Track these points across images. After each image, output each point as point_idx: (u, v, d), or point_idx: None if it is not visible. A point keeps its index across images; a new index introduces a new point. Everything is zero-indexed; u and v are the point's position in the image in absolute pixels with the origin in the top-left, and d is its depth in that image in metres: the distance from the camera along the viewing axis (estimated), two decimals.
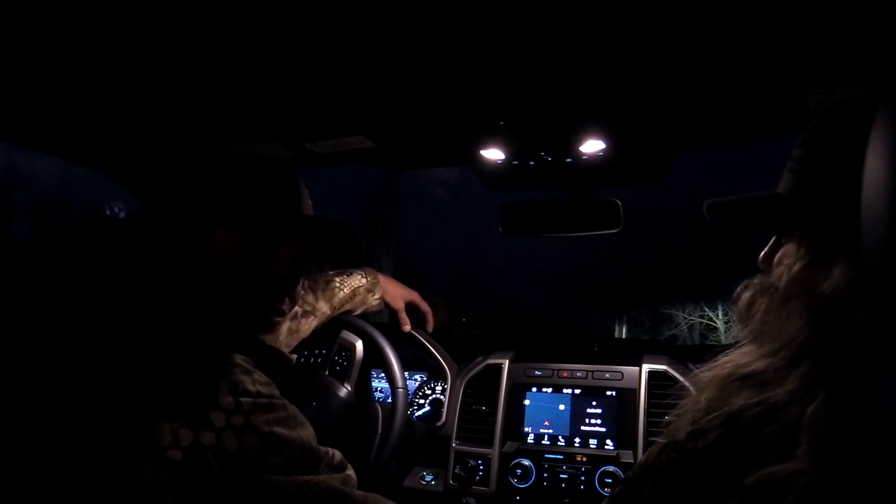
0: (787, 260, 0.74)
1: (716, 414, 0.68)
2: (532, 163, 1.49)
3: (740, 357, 0.75)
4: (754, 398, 0.66)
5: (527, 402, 1.71)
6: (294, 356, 1.68)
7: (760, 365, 0.70)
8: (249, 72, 1.13)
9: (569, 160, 1.45)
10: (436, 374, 1.91)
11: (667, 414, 1.55)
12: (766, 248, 0.83)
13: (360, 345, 1.70)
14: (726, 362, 0.75)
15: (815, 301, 0.67)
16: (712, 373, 0.76)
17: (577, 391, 1.69)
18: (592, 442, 1.62)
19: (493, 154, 1.46)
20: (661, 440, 0.74)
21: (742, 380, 0.70)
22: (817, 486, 0.57)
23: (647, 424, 1.57)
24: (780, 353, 0.68)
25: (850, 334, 0.60)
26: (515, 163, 1.49)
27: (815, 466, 0.57)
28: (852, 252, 0.62)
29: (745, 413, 0.66)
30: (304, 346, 1.70)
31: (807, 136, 0.76)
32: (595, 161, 1.45)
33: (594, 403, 1.66)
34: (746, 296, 0.80)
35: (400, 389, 1.62)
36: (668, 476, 0.69)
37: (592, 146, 1.37)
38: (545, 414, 1.69)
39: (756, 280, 0.79)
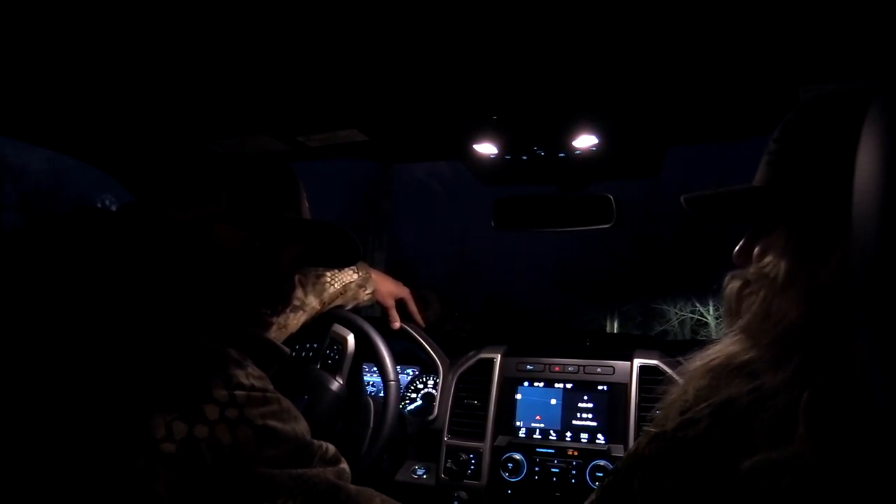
0: (773, 251, 0.75)
1: (706, 403, 0.69)
2: (525, 157, 1.49)
3: (729, 347, 0.75)
4: (745, 387, 0.67)
5: (518, 396, 1.72)
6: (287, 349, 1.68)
7: (751, 354, 0.71)
8: (242, 64, 1.12)
9: (561, 155, 1.45)
10: (428, 369, 1.91)
11: (658, 408, 1.56)
12: (740, 244, 0.83)
13: (351, 338, 1.70)
14: (716, 353, 0.76)
15: (813, 289, 0.67)
16: (701, 363, 0.77)
17: (569, 385, 1.69)
18: (584, 436, 1.62)
19: (486, 148, 1.45)
20: (650, 430, 0.74)
21: (732, 370, 0.71)
22: (812, 468, 0.58)
23: (639, 419, 1.57)
24: (772, 342, 0.69)
25: (849, 319, 0.61)
26: (508, 157, 1.49)
27: (812, 449, 0.58)
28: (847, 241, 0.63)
29: (736, 402, 0.66)
30: (296, 339, 1.70)
31: (784, 130, 0.77)
32: (588, 156, 1.45)
33: (585, 398, 1.66)
34: (736, 285, 0.80)
35: (392, 383, 1.63)
36: (658, 466, 0.70)
37: (585, 141, 1.37)
38: (537, 408, 1.69)
39: (751, 269, 0.79)
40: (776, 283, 0.72)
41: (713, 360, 0.76)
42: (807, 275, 0.69)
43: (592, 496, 0.80)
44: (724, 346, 0.77)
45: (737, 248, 0.83)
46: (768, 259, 0.75)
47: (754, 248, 0.79)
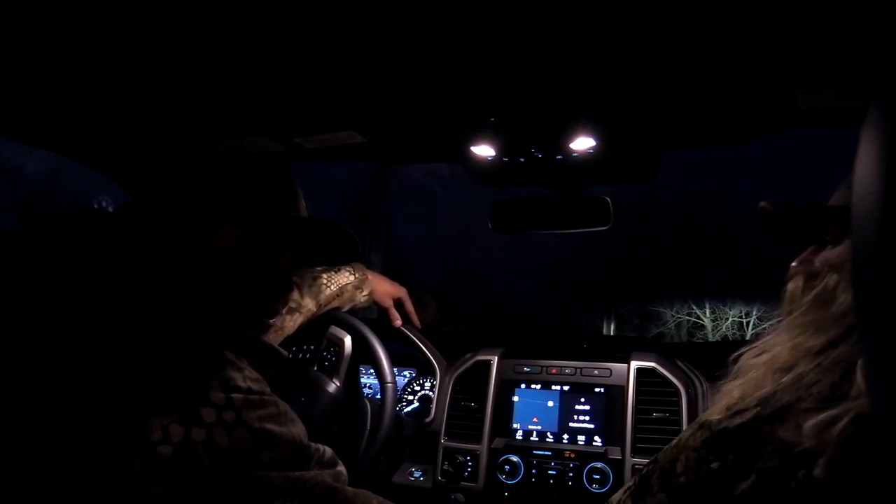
0: (840, 255, 0.78)
1: (752, 397, 0.72)
2: (522, 160, 1.49)
3: (780, 344, 0.78)
4: (788, 381, 0.70)
5: (515, 398, 1.72)
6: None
7: (809, 344, 0.73)
8: (240, 66, 1.12)
9: (559, 157, 1.46)
10: (425, 371, 1.91)
11: (655, 410, 1.57)
12: (805, 254, 0.85)
13: (348, 340, 1.69)
14: (764, 352, 0.79)
15: None
16: (751, 361, 0.80)
17: (566, 388, 1.69)
18: (581, 438, 1.62)
19: (484, 151, 1.45)
20: (693, 425, 0.77)
21: (777, 368, 0.75)
22: (868, 413, 0.60)
23: (636, 421, 1.58)
24: (831, 326, 0.72)
25: None
26: (506, 159, 1.49)
27: (869, 399, 0.60)
28: None
29: (780, 393, 0.69)
30: (293, 341, 1.70)
31: None
32: (585, 158, 1.45)
33: (583, 400, 1.67)
34: (801, 280, 0.83)
35: (389, 385, 1.62)
36: (702, 450, 0.72)
37: (583, 143, 1.37)
38: (534, 410, 1.69)
39: (814, 266, 0.81)
40: (842, 274, 0.75)
41: (764, 358, 0.79)
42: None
43: (629, 483, 0.81)
44: (774, 341, 0.80)
45: (801, 256, 0.86)
46: (835, 259, 0.78)
47: (817, 257, 0.82)
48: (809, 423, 0.63)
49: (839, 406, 0.63)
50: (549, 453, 1.62)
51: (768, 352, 0.78)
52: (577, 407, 1.66)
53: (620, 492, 0.82)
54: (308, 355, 1.73)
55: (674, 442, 0.78)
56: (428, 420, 1.79)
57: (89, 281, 0.81)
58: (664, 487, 0.74)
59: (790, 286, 0.85)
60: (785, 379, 0.71)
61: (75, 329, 0.76)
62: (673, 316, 19.30)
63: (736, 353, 0.85)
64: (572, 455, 1.60)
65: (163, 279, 0.86)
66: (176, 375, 0.77)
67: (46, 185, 19.51)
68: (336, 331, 1.71)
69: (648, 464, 0.80)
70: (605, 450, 1.58)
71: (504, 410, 1.71)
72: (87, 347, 0.75)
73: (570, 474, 1.58)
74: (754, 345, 0.82)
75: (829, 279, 0.77)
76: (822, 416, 0.63)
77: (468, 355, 1.84)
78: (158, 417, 0.72)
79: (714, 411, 0.76)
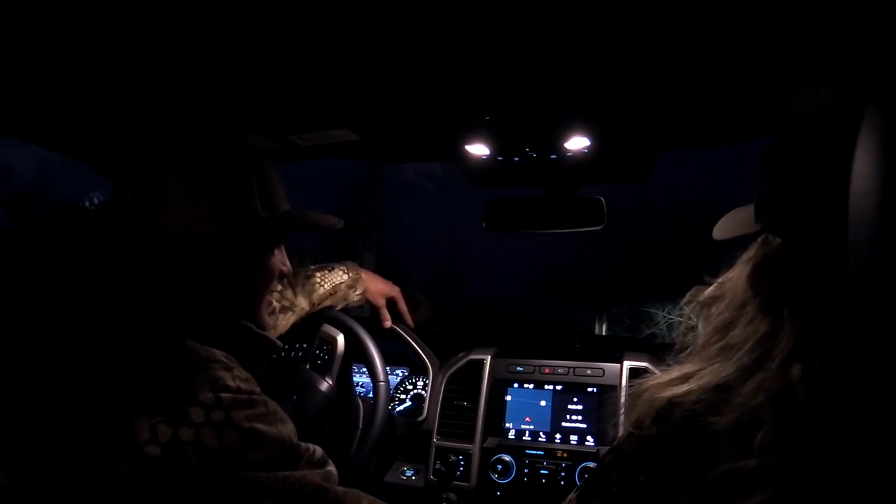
0: (743, 268, 0.78)
1: (679, 404, 0.72)
2: (517, 159, 1.49)
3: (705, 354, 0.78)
4: (711, 392, 0.70)
5: (508, 397, 1.72)
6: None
7: (723, 364, 0.73)
8: (234, 63, 1.11)
9: (553, 157, 1.46)
10: (417, 370, 1.91)
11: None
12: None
13: (341, 339, 1.69)
14: (694, 362, 0.79)
15: (788, 302, 0.69)
16: (679, 368, 0.80)
17: (559, 387, 1.70)
18: (573, 438, 1.63)
19: (478, 150, 1.45)
20: (630, 428, 0.78)
21: (705, 374, 0.74)
22: (776, 485, 0.60)
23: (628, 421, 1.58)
24: (735, 352, 0.72)
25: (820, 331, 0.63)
26: (500, 159, 1.49)
27: (776, 462, 0.60)
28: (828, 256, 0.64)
29: (703, 403, 0.70)
30: (285, 339, 1.69)
31: (767, 161, 0.76)
32: (579, 158, 1.45)
33: (575, 400, 1.67)
34: (698, 299, 0.83)
35: (381, 384, 1.62)
36: (633, 459, 0.74)
37: (577, 143, 1.38)
38: (526, 410, 1.69)
39: (717, 287, 0.81)
40: (744, 297, 0.76)
41: (691, 365, 0.78)
42: (774, 288, 0.72)
43: (578, 487, 0.82)
44: (701, 355, 0.79)
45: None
46: (737, 275, 0.80)
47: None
48: (710, 476, 0.64)
49: (745, 460, 0.62)
50: (542, 453, 1.62)
51: (696, 362, 0.78)
52: (570, 407, 1.66)
53: (573, 491, 0.82)
54: (301, 353, 1.73)
55: (614, 444, 0.79)
56: (420, 419, 1.79)
57: (76, 280, 0.80)
58: (601, 494, 0.75)
59: (692, 306, 0.86)
60: (705, 391, 0.71)
61: (61, 328, 0.76)
62: (664, 317, 19.35)
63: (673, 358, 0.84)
64: (565, 455, 1.60)
65: (148, 278, 0.85)
66: (163, 375, 0.76)
67: (37, 182, 19.40)
68: (329, 329, 1.70)
69: (596, 465, 0.82)
70: (598, 450, 1.58)
71: (497, 410, 1.71)
72: (74, 346, 0.75)
73: (563, 474, 1.58)
74: (685, 354, 0.82)
75: (730, 303, 0.78)
76: (725, 468, 0.63)
77: (461, 354, 1.84)
78: (146, 417, 0.72)
79: (648, 413, 0.76)
